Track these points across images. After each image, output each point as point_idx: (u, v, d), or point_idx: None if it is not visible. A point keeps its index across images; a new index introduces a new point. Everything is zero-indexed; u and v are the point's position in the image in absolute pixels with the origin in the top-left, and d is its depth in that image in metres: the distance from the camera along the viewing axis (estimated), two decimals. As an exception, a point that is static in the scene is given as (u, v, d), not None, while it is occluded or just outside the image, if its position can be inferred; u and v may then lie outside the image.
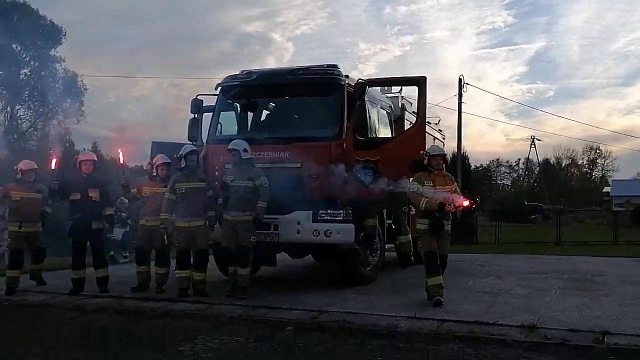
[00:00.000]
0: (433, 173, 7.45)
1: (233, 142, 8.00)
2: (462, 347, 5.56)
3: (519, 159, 74.52)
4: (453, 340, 5.74)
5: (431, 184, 7.31)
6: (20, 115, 29.62)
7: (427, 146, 8.19)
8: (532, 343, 5.58)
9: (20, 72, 28.77)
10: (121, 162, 8.94)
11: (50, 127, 29.09)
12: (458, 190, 7.73)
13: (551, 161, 71.88)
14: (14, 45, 27.94)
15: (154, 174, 8.64)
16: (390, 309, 6.98)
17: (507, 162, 76.01)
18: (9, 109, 28.73)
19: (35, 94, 28.42)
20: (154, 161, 8.70)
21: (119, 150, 8.96)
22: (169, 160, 8.54)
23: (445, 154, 7.88)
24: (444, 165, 7.63)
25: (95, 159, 8.82)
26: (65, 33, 29.25)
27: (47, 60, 27.91)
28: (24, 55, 28.46)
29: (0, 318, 7.38)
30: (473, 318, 6.42)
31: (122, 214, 13.21)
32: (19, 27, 27.11)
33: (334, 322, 6.41)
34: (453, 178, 7.85)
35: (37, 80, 28.81)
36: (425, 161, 7.50)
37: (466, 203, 7.78)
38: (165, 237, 8.08)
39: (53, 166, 8.58)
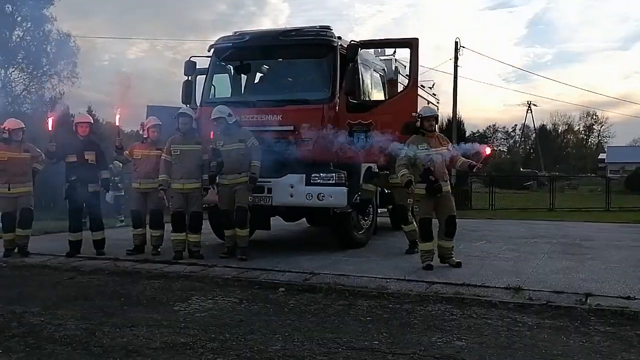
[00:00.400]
0: (427, 135, 7.46)
1: (215, 109, 7.97)
2: (449, 307, 5.70)
3: (516, 125, 74.56)
4: (440, 302, 5.88)
5: (426, 147, 7.35)
6: (14, 79, 29.26)
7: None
8: (517, 304, 5.72)
9: (13, 34, 28.33)
10: (117, 123, 8.91)
11: (45, 89, 28.77)
12: (455, 148, 7.70)
13: (547, 127, 71.90)
14: (7, 7, 27.44)
15: (145, 136, 8.65)
16: (381, 272, 7.13)
17: (504, 128, 76.10)
18: (2, 71, 28.36)
19: (30, 57, 28.00)
20: (145, 123, 8.71)
21: (116, 112, 8.85)
22: (160, 122, 8.55)
23: (438, 115, 7.86)
24: (436, 126, 7.62)
25: (92, 122, 8.84)
26: (58, -8, 28.69)
27: (39, 20, 27.41)
28: (16, 16, 27.97)
29: (-1, 279, 7.49)
30: (461, 280, 6.58)
31: (116, 178, 13.23)
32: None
33: (325, 284, 6.53)
34: (447, 138, 7.85)
35: (30, 41, 28.38)
36: (418, 123, 7.51)
37: (488, 150, 7.68)
38: (165, 198, 8.17)
39: (50, 127, 8.30)
